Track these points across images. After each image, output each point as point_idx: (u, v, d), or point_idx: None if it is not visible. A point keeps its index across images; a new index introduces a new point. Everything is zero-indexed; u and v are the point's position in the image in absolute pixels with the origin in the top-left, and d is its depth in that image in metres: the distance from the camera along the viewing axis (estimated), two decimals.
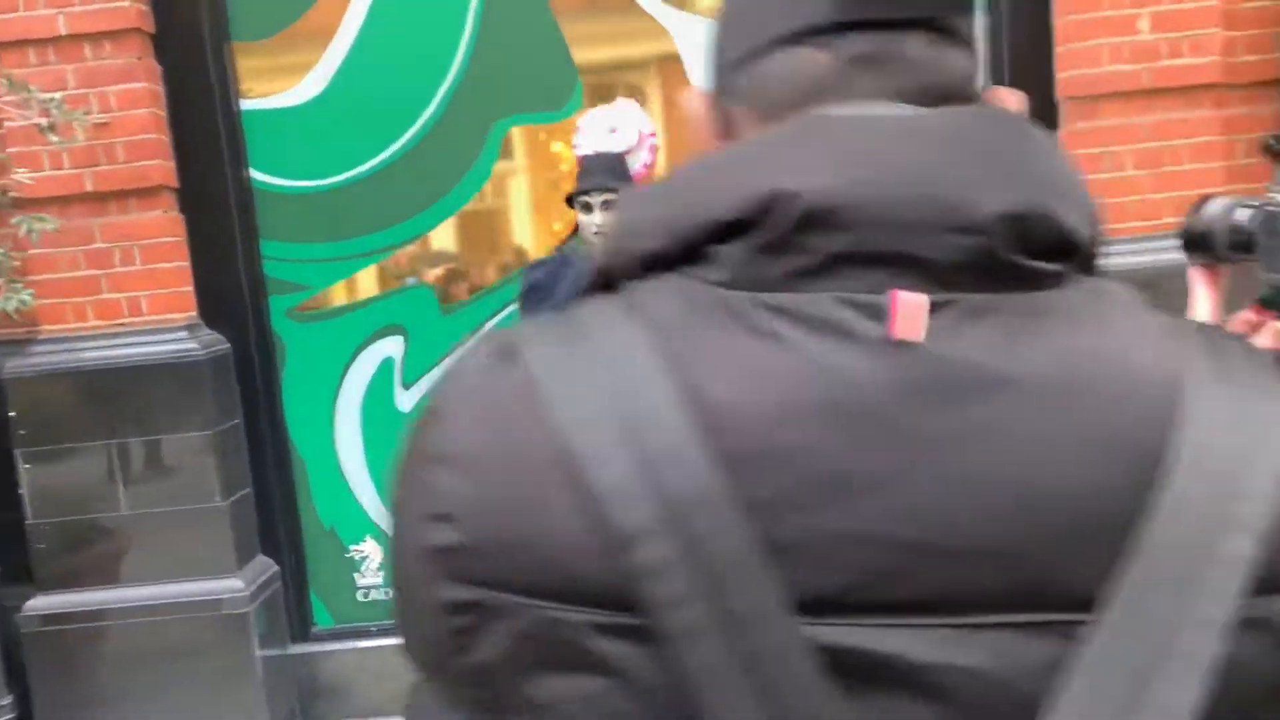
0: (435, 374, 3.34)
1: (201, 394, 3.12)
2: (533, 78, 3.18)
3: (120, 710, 3.12)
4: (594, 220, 2.80)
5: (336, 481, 3.39)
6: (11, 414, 3.11)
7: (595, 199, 2.79)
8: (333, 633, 3.44)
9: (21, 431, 3.11)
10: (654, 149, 2.94)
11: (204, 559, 3.13)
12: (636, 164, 2.88)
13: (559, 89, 3.18)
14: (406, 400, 3.35)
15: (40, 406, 3.11)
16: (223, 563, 3.13)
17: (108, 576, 3.15)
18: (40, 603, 3.13)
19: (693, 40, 3.17)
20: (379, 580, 3.42)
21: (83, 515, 3.13)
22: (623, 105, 2.86)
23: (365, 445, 3.38)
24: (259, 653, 3.12)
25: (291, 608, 3.38)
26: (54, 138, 2.86)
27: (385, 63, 3.22)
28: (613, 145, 2.80)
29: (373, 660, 3.33)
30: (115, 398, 3.10)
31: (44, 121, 2.83)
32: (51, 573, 3.16)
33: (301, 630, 3.41)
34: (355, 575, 3.43)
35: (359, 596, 3.43)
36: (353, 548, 3.41)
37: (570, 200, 2.78)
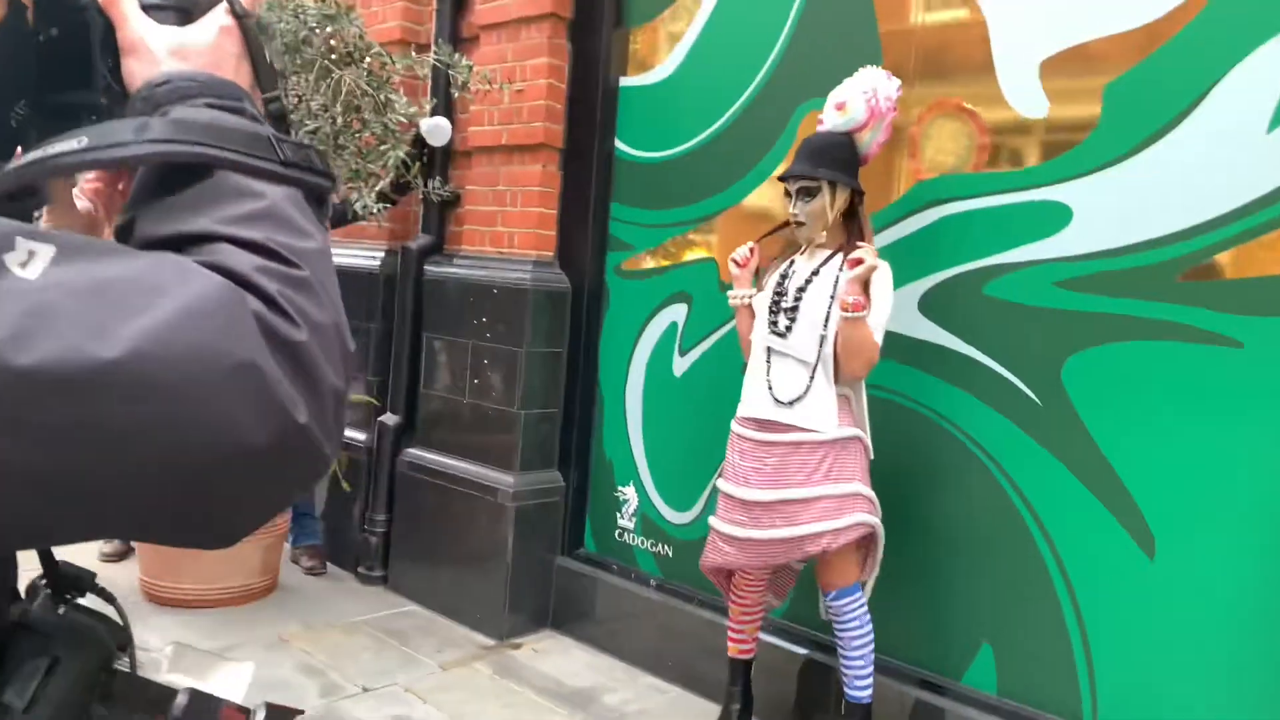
0: (706, 345, 3.43)
1: (533, 319, 3.70)
2: (839, 60, 3.03)
3: (435, 538, 3.94)
4: (791, 209, 2.66)
5: (620, 425, 3.72)
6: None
7: (791, 186, 2.64)
8: (590, 557, 3.80)
9: (426, 319, 4.08)
10: (890, 126, 2.64)
11: (497, 454, 3.75)
12: (870, 144, 2.63)
13: (856, 67, 2.98)
14: (680, 365, 3.51)
15: (440, 304, 4.04)
16: (508, 461, 3.71)
17: (443, 444, 3.98)
18: (410, 454, 4.09)
19: (1004, 17, 2.70)
20: (632, 525, 3.67)
21: (445, 394, 3.99)
22: (859, 76, 2.62)
23: (644, 400, 3.64)
24: (510, 543, 3.64)
25: (568, 523, 3.84)
26: (429, 90, 3.67)
27: (721, 48, 3.38)
28: (840, 124, 2.60)
29: (608, 596, 3.62)
30: (479, 309, 3.87)
31: (459, 80, 3.63)
32: (421, 432, 4.10)
33: (572, 545, 3.84)
34: (617, 514, 3.73)
35: (616, 534, 3.73)
36: (620, 488, 3.72)
37: None
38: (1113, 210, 2.48)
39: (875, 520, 2.60)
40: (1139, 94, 2.44)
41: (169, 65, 0.65)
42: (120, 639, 0.67)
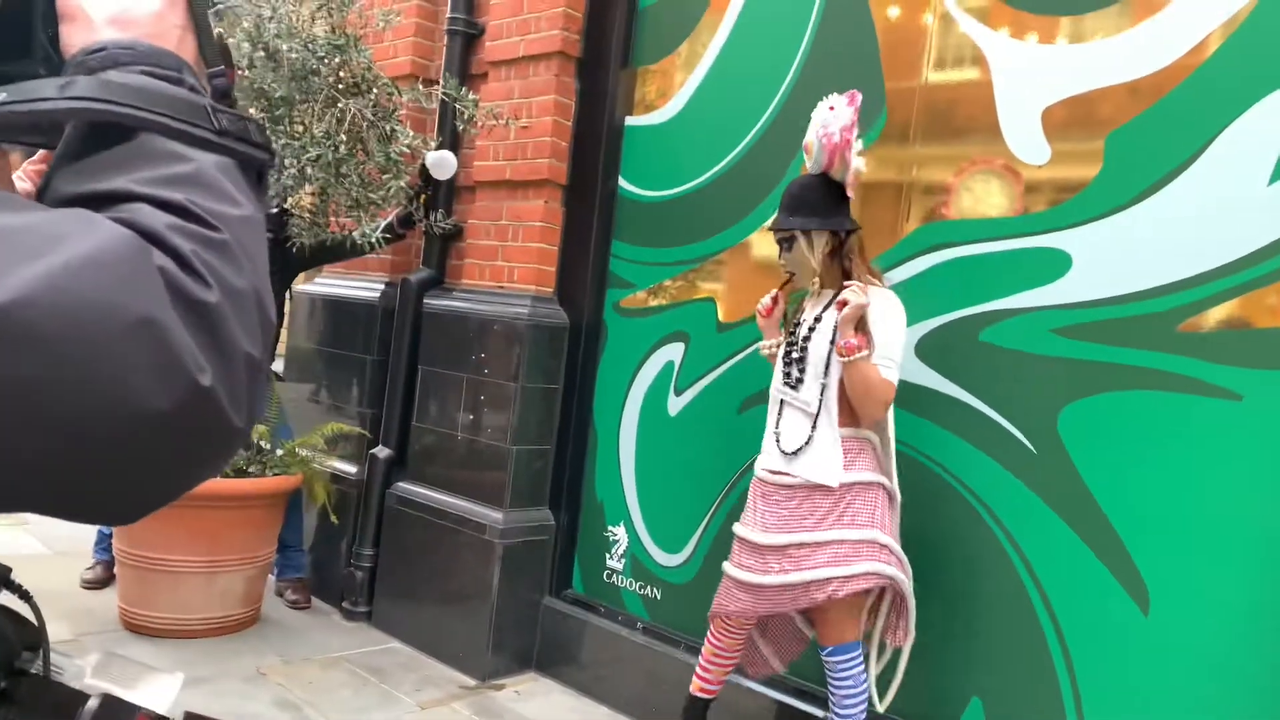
0: (702, 385, 3.40)
1: (529, 354, 3.68)
2: None
3: (421, 574, 3.87)
4: (779, 260, 2.66)
5: (613, 463, 3.68)
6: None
7: (775, 237, 2.64)
8: (577, 599, 3.73)
9: (423, 352, 4.06)
10: (847, 159, 2.53)
11: (487, 490, 3.70)
12: (846, 177, 2.58)
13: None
14: (675, 405, 3.47)
15: (437, 337, 4.02)
16: (498, 497, 3.66)
17: (434, 479, 3.93)
18: (400, 487, 4.04)
19: (1007, 66, 2.70)
20: (621, 566, 3.61)
21: (438, 428, 3.95)
22: (815, 115, 2.54)
23: (637, 439, 3.60)
24: (496, 582, 3.57)
25: (556, 562, 3.77)
26: (451, 127, 3.69)
27: (726, 91, 3.39)
28: (811, 167, 2.59)
29: (594, 639, 3.54)
30: (476, 343, 3.84)
31: (464, 114, 3.65)
32: (412, 466, 4.05)
33: (559, 585, 3.77)
34: (606, 555, 3.67)
35: (604, 575, 3.67)
36: (610, 528, 3.66)
37: None
38: (1112, 259, 2.46)
39: (893, 572, 2.47)
40: (1141, 144, 2.43)
41: (107, 33, 0.62)
42: (30, 639, 0.63)
